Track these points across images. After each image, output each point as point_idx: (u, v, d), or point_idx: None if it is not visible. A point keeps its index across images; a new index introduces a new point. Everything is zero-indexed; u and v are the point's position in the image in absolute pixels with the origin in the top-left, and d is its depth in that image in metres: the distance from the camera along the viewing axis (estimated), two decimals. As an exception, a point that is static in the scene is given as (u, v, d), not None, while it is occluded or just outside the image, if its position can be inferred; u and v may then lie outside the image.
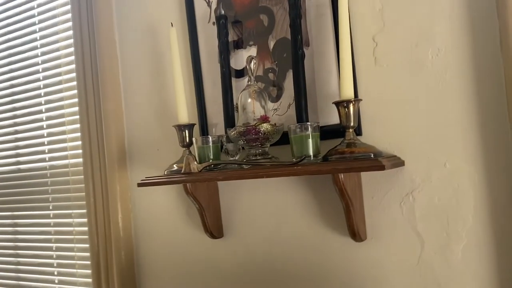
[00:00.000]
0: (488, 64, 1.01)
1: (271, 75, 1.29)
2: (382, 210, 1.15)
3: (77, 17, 1.65)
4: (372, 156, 1.02)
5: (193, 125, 1.36)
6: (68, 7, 1.72)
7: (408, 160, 1.10)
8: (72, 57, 1.70)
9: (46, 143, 1.88)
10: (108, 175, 1.57)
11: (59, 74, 1.81)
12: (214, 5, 1.38)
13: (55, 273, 1.88)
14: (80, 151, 1.67)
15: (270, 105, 1.28)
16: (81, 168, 1.68)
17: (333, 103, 1.08)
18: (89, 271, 1.71)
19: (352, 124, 1.06)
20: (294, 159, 1.11)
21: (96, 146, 1.60)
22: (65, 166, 1.81)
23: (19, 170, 1.99)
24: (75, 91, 1.68)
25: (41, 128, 1.89)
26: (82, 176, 1.67)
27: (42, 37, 1.87)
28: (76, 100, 1.68)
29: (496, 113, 1.00)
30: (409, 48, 1.10)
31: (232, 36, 1.35)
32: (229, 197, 1.40)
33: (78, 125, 1.68)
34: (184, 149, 1.35)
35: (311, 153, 1.10)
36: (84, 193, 1.66)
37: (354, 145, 1.05)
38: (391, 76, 1.12)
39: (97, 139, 1.60)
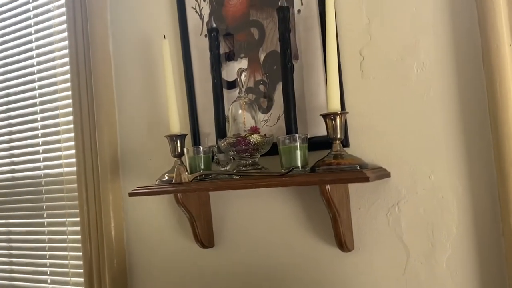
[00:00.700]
0: (471, 79, 1.03)
1: (261, 87, 1.32)
2: (369, 221, 1.16)
3: (72, 28, 1.67)
4: (357, 167, 1.04)
5: (185, 135, 1.38)
6: (64, 18, 1.74)
7: (394, 172, 1.12)
8: (68, 67, 1.72)
9: (41, 151, 1.90)
10: (101, 184, 1.59)
11: (54, 84, 1.83)
12: (206, 18, 1.41)
13: (49, 281, 1.89)
14: (75, 159, 1.68)
15: (261, 116, 1.31)
16: (75, 176, 1.69)
17: (320, 115, 1.11)
18: (82, 279, 1.71)
19: (339, 136, 1.09)
20: (282, 170, 1.13)
21: (90, 155, 1.62)
22: (60, 174, 1.83)
23: (14, 178, 2.00)
24: (71, 101, 1.70)
25: (36, 136, 1.91)
26: (76, 185, 1.69)
27: (38, 47, 1.89)
28: (71, 109, 1.70)
29: (479, 126, 1.02)
30: (394, 62, 1.12)
31: (223, 48, 1.37)
32: (220, 207, 1.41)
33: (73, 134, 1.69)
34: (175, 159, 1.37)
35: (299, 164, 1.12)
36: (77, 202, 1.68)
37: (341, 157, 1.07)
38: (377, 89, 1.15)
39: (91, 149, 1.62)
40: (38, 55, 1.89)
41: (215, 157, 1.32)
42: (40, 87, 1.89)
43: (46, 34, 1.86)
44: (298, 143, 1.13)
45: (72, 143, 1.70)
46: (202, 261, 1.45)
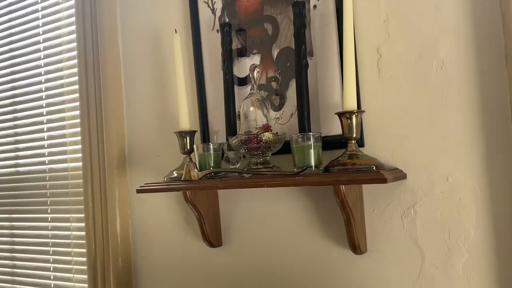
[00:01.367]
0: (493, 79, 1.00)
1: (274, 84, 1.29)
2: (383, 223, 1.14)
3: (81, 21, 1.64)
4: (374, 168, 1.01)
5: (194, 132, 1.35)
6: (72, 10, 1.72)
7: (410, 173, 1.09)
8: (75, 61, 1.70)
9: (46, 146, 1.87)
10: (107, 180, 1.56)
11: (61, 78, 1.81)
12: (218, 13, 1.38)
13: (52, 277, 1.87)
14: (80, 155, 1.66)
15: (273, 114, 1.28)
16: (81, 172, 1.67)
17: (335, 113, 1.08)
18: (85, 276, 1.69)
19: (354, 135, 1.06)
20: (295, 169, 1.10)
21: (96, 150, 1.59)
22: (65, 169, 1.80)
23: (18, 173, 1.98)
24: (77, 95, 1.68)
25: (41, 131, 1.89)
26: (81, 180, 1.66)
27: (45, 40, 1.87)
28: (77, 103, 1.68)
29: (499, 128, 0.99)
30: (413, 60, 1.09)
31: (236, 44, 1.34)
32: (229, 205, 1.39)
33: (78, 129, 1.67)
34: (184, 156, 1.34)
35: (312, 163, 1.09)
36: (82, 198, 1.65)
37: (356, 157, 1.05)
38: (394, 88, 1.12)
39: (98, 144, 1.59)
40: (46, 48, 1.87)
41: (225, 154, 1.29)
42: (47, 80, 1.86)
43: (54, 27, 1.83)
44: (311, 141, 1.10)
45: (78, 138, 1.68)
46: (209, 260, 1.43)
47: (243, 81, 1.34)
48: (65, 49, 1.79)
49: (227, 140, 1.27)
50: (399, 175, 1.06)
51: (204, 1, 1.41)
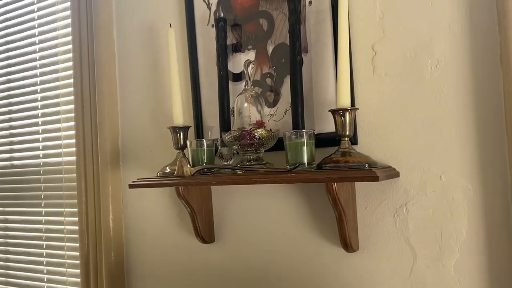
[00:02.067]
0: (487, 78, 1.00)
1: (268, 80, 1.28)
2: (375, 221, 1.13)
3: (76, 14, 1.63)
4: (366, 166, 1.01)
5: (188, 127, 1.34)
6: (68, 4, 1.70)
7: (403, 172, 1.09)
8: (70, 55, 1.68)
9: (40, 139, 1.86)
10: (100, 175, 1.55)
11: (56, 71, 1.80)
12: (213, 7, 1.37)
13: (44, 271, 1.86)
14: (74, 149, 1.65)
15: (267, 110, 1.27)
16: (75, 166, 1.66)
17: (329, 111, 1.07)
18: (78, 271, 1.68)
19: (347, 133, 1.05)
20: (288, 166, 1.10)
21: (90, 145, 1.59)
22: (59, 163, 1.79)
23: (13, 166, 1.97)
24: (72, 89, 1.67)
25: (36, 124, 1.88)
26: (75, 175, 1.65)
27: (40, 33, 1.85)
28: (72, 97, 1.67)
29: (493, 127, 0.99)
30: (408, 58, 1.09)
31: (231, 39, 1.34)
32: (222, 202, 1.38)
33: (73, 123, 1.66)
34: (178, 151, 1.33)
35: (305, 160, 1.09)
36: (76, 192, 1.65)
37: (349, 155, 1.04)
38: (389, 85, 1.11)
39: (91, 138, 1.58)
40: (41, 41, 1.85)
41: (218, 150, 1.28)
42: (42, 74, 1.85)
43: (49, 20, 1.82)
44: (305, 139, 1.09)
45: (73, 132, 1.67)
46: (201, 256, 1.42)
47: (237, 77, 1.33)
48: (61, 42, 1.78)
49: (221, 136, 1.26)
50: (392, 173, 1.06)
51: (199, -4, 1.40)
